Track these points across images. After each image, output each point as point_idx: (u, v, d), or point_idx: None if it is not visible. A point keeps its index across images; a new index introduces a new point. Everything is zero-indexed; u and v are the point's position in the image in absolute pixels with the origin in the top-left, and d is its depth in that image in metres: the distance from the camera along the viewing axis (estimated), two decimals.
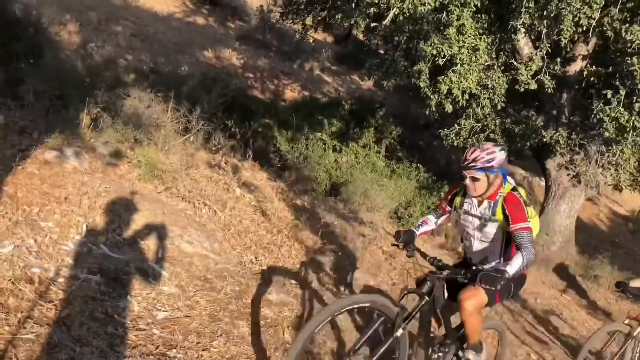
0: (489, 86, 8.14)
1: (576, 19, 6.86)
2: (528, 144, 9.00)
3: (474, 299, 3.50)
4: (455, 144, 9.09)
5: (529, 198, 3.71)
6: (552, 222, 9.50)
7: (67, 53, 7.93)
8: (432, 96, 8.18)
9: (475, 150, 3.46)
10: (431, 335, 3.76)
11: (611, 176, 8.94)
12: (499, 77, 8.11)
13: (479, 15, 7.73)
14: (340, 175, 9.33)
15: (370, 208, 8.44)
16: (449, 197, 3.86)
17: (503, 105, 8.50)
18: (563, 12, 6.80)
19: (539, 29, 7.59)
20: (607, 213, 16.10)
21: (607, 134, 7.40)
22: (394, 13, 7.74)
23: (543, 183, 11.19)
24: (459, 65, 7.59)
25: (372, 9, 8.09)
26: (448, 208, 3.85)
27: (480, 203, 3.62)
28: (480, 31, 7.68)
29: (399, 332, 3.30)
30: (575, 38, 8.10)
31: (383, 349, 3.23)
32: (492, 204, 3.56)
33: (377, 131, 11.38)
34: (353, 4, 8.57)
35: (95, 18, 11.73)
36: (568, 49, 8.26)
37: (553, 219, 9.52)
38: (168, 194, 5.56)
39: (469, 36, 7.48)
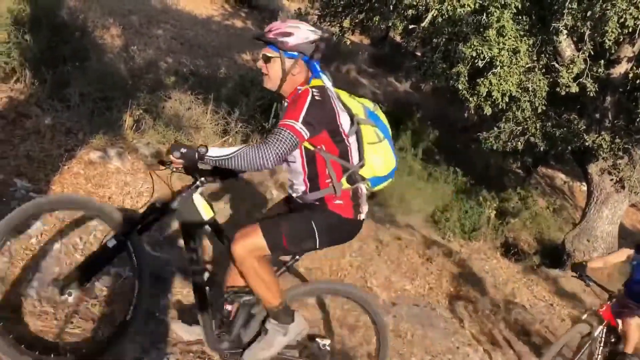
0: (530, 89, 8.02)
1: (622, 20, 6.70)
2: (569, 148, 8.82)
3: (242, 239, 2.61)
4: (494, 147, 8.99)
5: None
6: (594, 229, 9.27)
7: (110, 56, 8.13)
8: (470, 99, 8.11)
9: (278, 21, 2.64)
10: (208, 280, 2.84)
11: None
12: (539, 80, 7.98)
13: (520, 17, 7.63)
14: None
15: (407, 211, 8.40)
16: None
17: (544, 108, 8.36)
18: (608, 13, 6.64)
19: (582, 31, 7.43)
20: None
21: None
22: (433, 15, 7.70)
23: (585, 188, 10.93)
24: (499, 67, 7.51)
25: (410, 10, 8.06)
26: None
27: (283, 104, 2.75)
28: (521, 33, 7.58)
29: (111, 242, 2.61)
30: (620, 39, 7.89)
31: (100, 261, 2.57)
32: (287, 105, 2.68)
33: (414, 134, 11.30)
34: (391, 6, 8.55)
35: (137, 21, 12.01)
36: (612, 51, 8.07)
37: (595, 225, 9.28)
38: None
39: (509, 38, 7.38)
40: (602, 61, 7.87)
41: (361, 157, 2.69)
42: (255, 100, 8.69)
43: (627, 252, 5.03)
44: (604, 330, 4.57)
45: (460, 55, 7.71)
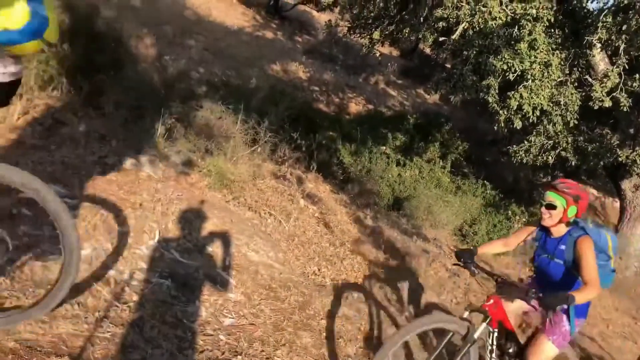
0: (561, 103, 7.91)
1: None
2: (602, 163, 8.65)
3: None
4: (524, 161, 8.88)
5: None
6: (627, 246, 9.06)
7: (144, 66, 8.29)
8: (501, 112, 8.03)
9: None
10: None
11: None
12: (572, 94, 7.87)
13: (552, 30, 7.55)
14: (403, 189, 9.26)
15: (434, 224, 8.34)
16: None
17: (576, 122, 8.22)
18: None
19: (617, 44, 7.32)
20: None
21: None
22: (464, 27, 7.68)
23: (617, 204, 10.70)
24: (530, 80, 7.43)
25: (441, 23, 8.06)
26: None
27: None
28: (553, 46, 7.50)
29: None
30: None
31: None
32: None
33: (443, 146, 11.25)
34: (421, 19, 8.57)
35: (170, 32, 12.23)
36: None
37: (628, 242, 9.07)
38: (236, 203, 5.70)
39: (541, 51, 7.31)
40: (638, 75, 7.73)
41: None
42: (284, 111, 8.76)
43: (528, 230, 3.94)
44: (494, 333, 3.46)
45: (491, 68, 7.66)
